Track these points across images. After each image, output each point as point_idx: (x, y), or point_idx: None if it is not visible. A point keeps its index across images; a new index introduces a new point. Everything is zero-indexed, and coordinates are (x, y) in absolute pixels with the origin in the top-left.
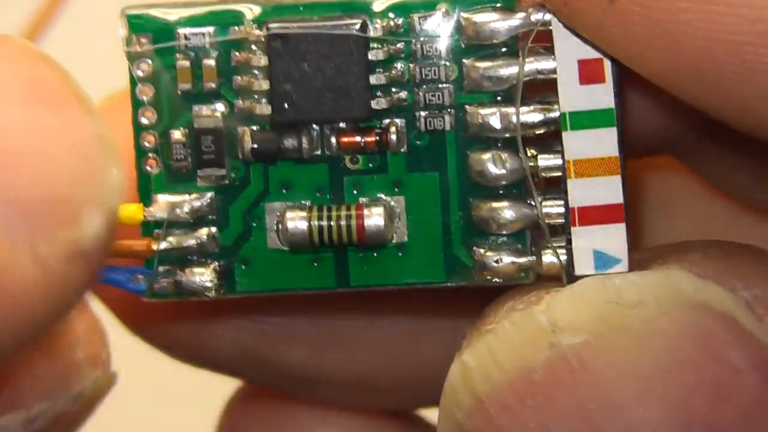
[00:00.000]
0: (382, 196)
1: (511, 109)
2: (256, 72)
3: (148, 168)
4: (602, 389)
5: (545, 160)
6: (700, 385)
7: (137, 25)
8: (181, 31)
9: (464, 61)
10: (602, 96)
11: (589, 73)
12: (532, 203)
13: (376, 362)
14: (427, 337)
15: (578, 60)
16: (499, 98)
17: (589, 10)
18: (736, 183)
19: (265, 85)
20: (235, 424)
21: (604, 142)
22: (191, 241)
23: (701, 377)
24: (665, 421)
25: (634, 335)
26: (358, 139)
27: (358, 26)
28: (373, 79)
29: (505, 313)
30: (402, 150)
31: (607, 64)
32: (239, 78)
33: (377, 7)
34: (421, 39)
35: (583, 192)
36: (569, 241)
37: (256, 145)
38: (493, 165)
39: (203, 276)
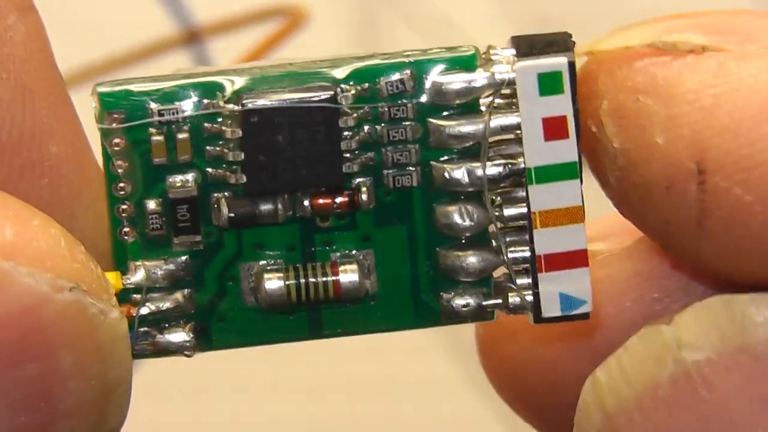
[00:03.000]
0: (353, 251)
1: (476, 164)
2: (230, 143)
3: (125, 237)
4: (724, 409)
5: (510, 210)
6: None
7: (109, 102)
8: (154, 106)
9: (429, 120)
10: (566, 150)
11: (553, 130)
12: (497, 251)
13: None
14: None
15: (542, 118)
16: (463, 154)
17: (678, 234)
18: None
19: (239, 155)
20: None
21: (567, 193)
22: (168, 304)
23: None
24: None
25: (756, 356)
26: (330, 201)
27: (328, 97)
28: (344, 145)
29: (637, 329)
30: (371, 207)
31: (570, 120)
32: (212, 148)
33: (340, 74)
34: (388, 103)
35: (549, 240)
36: (535, 285)
37: (233, 214)
38: (460, 217)
39: (181, 335)
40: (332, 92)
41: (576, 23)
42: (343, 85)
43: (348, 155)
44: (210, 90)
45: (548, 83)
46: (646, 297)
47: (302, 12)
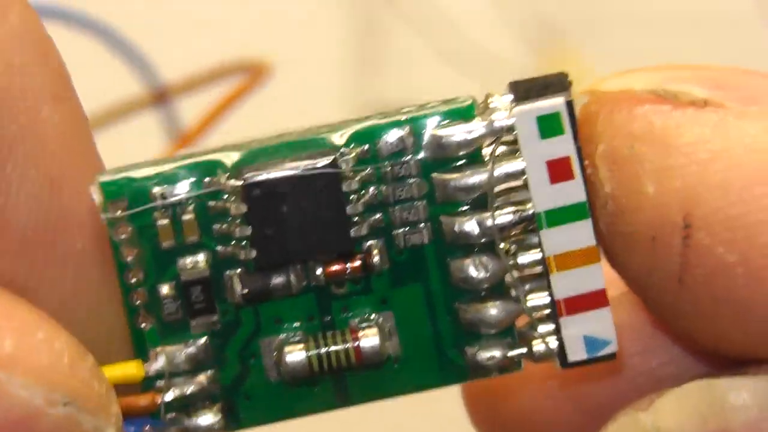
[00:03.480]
0: (372, 315)
1: (486, 214)
2: (236, 219)
3: (141, 324)
4: None
5: (524, 257)
6: None
7: (112, 191)
8: (156, 190)
9: (433, 175)
10: (573, 191)
11: (558, 172)
12: (516, 299)
13: None
14: None
15: (546, 161)
16: (471, 205)
17: (659, 288)
18: None
19: (246, 230)
20: None
21: (580, 234)
22: (192, 387)
23: None
24: None
25: None
26: (343, 267)
27: (329, 162)
28: (350, 209)
29: (614, 418)
30: (384, 268)
31: (575, 160)
32: (219, 226)
33: (338, 139)
34: (390, 162)
35: (566, 283)
36: (558, 330)
37: (246, 290)
38: (475, 270)
39: (209, 417)
40: (332, 157)
41: (575, 23)
42: (343, 149)
43: (355, 219)
44: (210, 168)
45: (548, 125)
46: (628, 350)
47: (264, 66)
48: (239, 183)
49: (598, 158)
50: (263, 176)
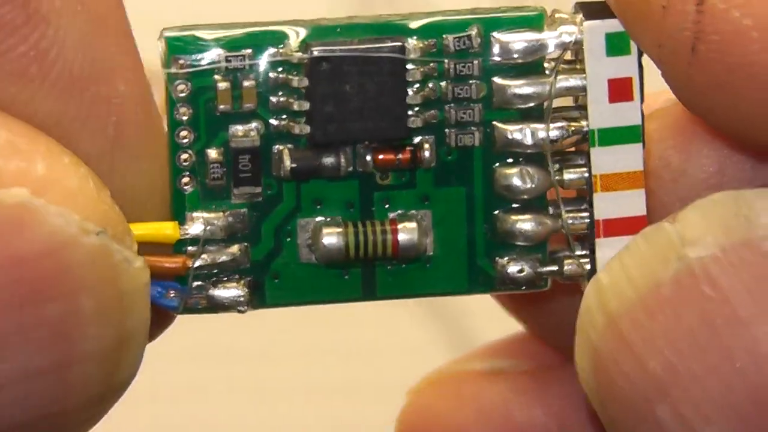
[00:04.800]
0: (411, 211)
1: (539, 125)
2: (295, 93)
3: (184, 186)
4: (728, 306)
5: (571, 174)
6: None
7: (176, 47)
8: (221, 52)
9: (493, 79)
10: (630, 113)
11: (618, 91)
12: (554, 215)
13: None
14: None
15: (608, 79)
16: (526, 114)
17: (671, 59)
18: None
19: (305, 105)
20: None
21: (630, 158)
22: (224, 257)
23: None
24: None
25: (762, 251)
26: (393, 156)
27: (397, 49)
28: (410, 100)
29: (642, 231)
30: (432, 165)
31: (636, 82)
32: (277, 99)
33: (407, 27)
34: (454, 59)
35: (608, 205)
36: (592, 251)
37: (295, 164)
38: (520, 179)
39: (235, 290)
40: (401, 44)
41: None
42: (411, 39)
43: (413, 110)
44: (278, 38)
45: (616, 43)
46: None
47: None
48: (306, 55)
49: None
50: (330, 52)
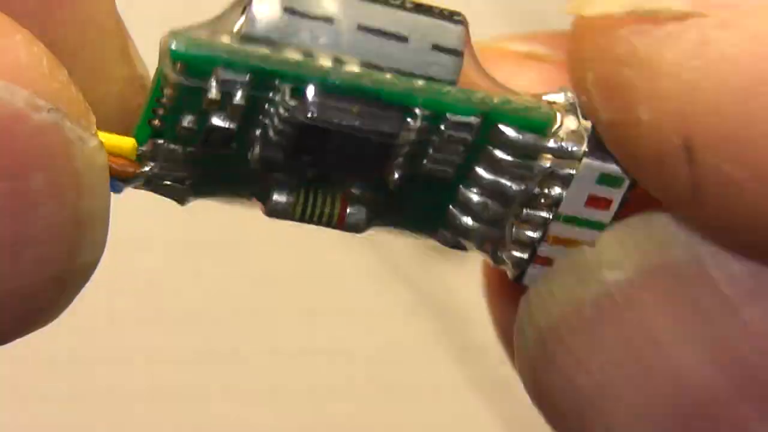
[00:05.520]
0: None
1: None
2: (278, 125)
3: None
4: (645, 328)
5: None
6: (743, 332)
7: (178, 55)
8: (219, 72)
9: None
10: (601, 217)
11: (596, 203)
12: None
13: None
14: None
15: (589, 194)
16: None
17: (676, 205)
18: None
19: (282, 141)
20: None
21: (587, 235)
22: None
23: (740, 321)
24: (703, 361)
25: (676, 274)
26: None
27: (392, 133)
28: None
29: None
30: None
31: (616, 202)
32: (261, 119)
33: (412, 116)
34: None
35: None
36: (533, 251)
37: (266, 154)
38: (478, 205)
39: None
40: (396, 130)
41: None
42: (410, 122)
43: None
44: (283, 77)
45: (607, 180)
46: None
47: None
48: (300, 118)
49: (590, 85)
50: (324, 119)
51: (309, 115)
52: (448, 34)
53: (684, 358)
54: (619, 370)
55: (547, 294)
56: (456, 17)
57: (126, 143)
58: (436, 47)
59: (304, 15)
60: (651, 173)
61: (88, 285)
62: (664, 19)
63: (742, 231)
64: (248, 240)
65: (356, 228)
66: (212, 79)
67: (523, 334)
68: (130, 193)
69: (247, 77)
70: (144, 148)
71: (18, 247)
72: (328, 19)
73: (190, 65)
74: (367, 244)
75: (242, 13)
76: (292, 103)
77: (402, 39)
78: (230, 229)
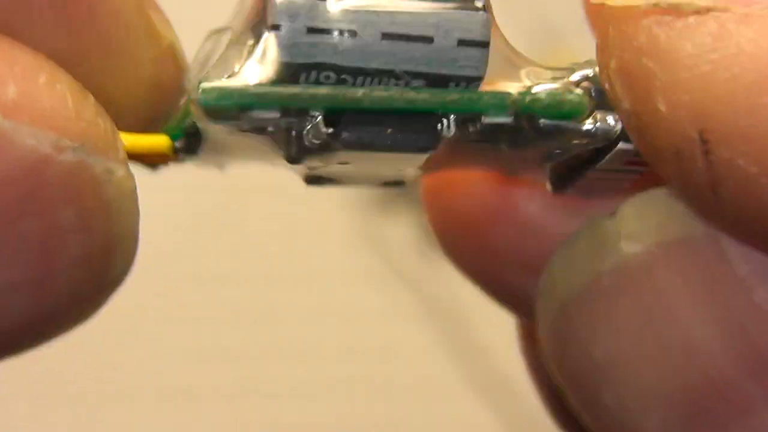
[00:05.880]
0: None
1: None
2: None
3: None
4: (662, 300)
5: None
6: (756, 313)
7: (210, 106)
8: (251, 112)
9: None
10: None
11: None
12: None
13: None
14: None
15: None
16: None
17: (696, 199)
18: None
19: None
20: None
21: None
22: None
23: (753, 303)
24: (715, 339)
25: (694, 249)
26: None
27: (426, 146)
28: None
29: (585, 222)
30: None
31: None
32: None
33: (445, 127)
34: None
35: None
36: None
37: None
38: None
39: None
40: (432, 144)
41: (576, 26)
42: (444, 132)
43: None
44: (315, 108)
45: None
46: None
47: None
48: (330, 143)
49: (612, 73)
50: (356, 145)
51: (343, 142)
52: (472, 25)
53: (697, 334)
54: (632, 342)
55: (568, 264)
56: (478, 1)
57: (161, 142)
58: (462, 42)
59: (327, 32)
60: (669, 165)
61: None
62: (687, 12)
63: (759, 227)
64: (249, 240)
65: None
66: (244, 119)
67: (545, 304)
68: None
69: (279, 114)
70: (178, 144)
71: (49, 279)
72: (351, 33)
73: (221, 113)
74: (368, 244)
75: (255, 33)
76: (326, 130)
77: (427, 40)
78: (231, 229)
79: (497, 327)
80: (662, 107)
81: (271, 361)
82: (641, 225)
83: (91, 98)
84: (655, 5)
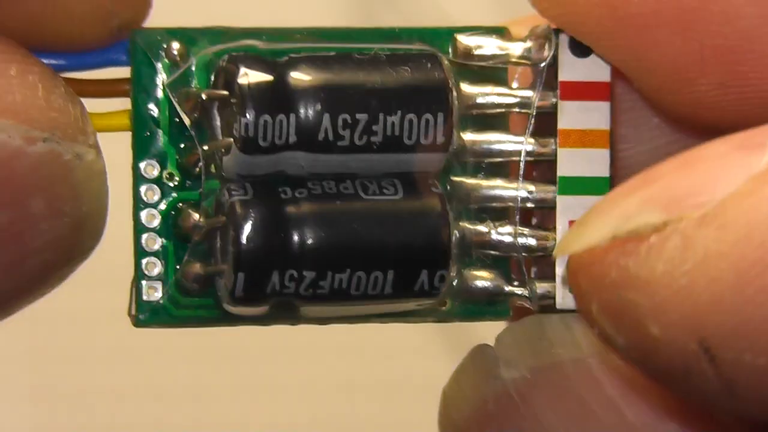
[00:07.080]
0: None
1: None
2: None
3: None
4: (538, 424)
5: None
6: (623, 426)
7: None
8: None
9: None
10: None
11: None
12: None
13: None
14: None
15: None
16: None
17: (716, 406)
18: None
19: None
20: None
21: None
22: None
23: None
24: None
25: (564, 373)
26: None
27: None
28: None
29: (473, 348)
30: None
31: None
32: None
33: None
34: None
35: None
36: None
37: None
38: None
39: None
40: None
41: None
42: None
43: None
44: None
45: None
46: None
47: None
48: None
49: (597, 317)
50: None
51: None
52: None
53: None
54: None
55: (458, 390)
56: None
57: (123, 119)
58: None
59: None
60: (683, 384)
61: (88, 285)
62: (646, 235)
63: None
64: None
65: None
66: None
67: (443, 425)
68: (128, 195)
69: None
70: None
71: (22, 261)
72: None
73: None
74: None
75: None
76: None
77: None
78: None
79: (497, 327)
80: (656, 331)
81: (271, 361)
82: (517, 351)
83: (62, 84)
84: (614, 238)
